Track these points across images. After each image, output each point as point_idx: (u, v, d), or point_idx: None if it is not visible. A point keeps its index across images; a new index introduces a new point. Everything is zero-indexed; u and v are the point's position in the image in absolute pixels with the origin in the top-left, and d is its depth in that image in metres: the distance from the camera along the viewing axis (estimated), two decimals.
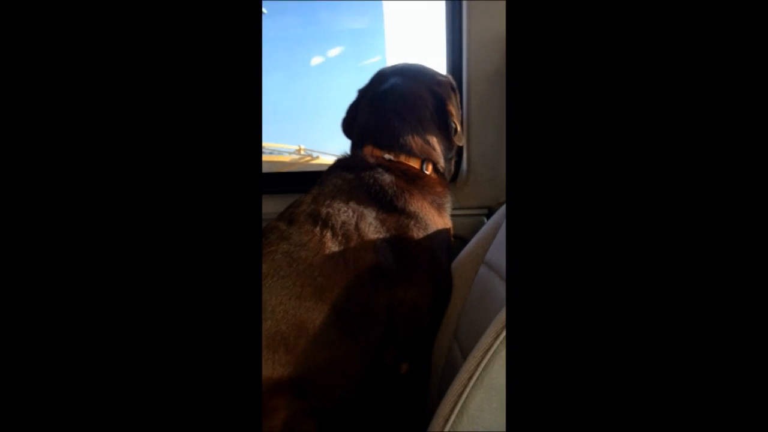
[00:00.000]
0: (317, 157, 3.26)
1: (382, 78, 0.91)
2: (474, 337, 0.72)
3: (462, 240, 0.95)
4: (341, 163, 0.85)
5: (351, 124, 0.94)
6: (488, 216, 1.07)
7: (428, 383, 0.80)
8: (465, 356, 0.76)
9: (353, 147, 0.90)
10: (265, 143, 3.34)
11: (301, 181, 1.23)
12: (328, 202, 0.76)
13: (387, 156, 0.82)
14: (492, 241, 0.81)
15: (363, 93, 0.94)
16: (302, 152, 3.44)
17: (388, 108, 0.85)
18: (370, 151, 0.84)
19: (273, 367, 0.65)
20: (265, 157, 3.18)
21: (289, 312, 0.67)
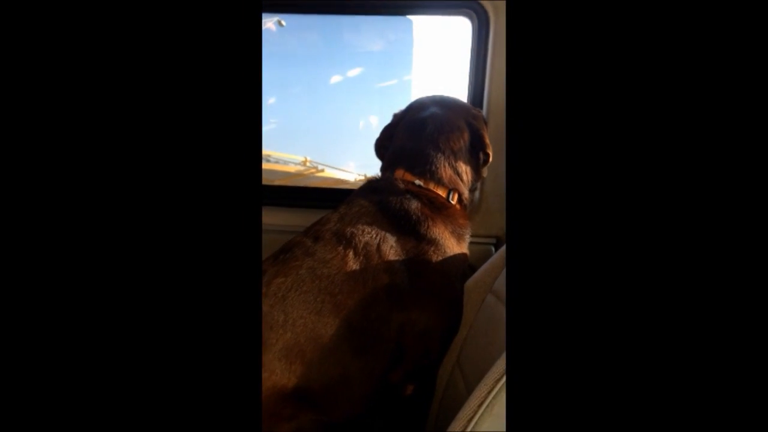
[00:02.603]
0: (322, 170, 3.28)
1: (420, 106, 0.95)
2: (478, 364, 0.74)
3: (470, 268, 0.97)
4: (371, 185, 0.88)
5: (384, 146, 0.98)
6: (496, 245, 1.09)
7: (430, 406, 0.81)
8: (467, 382, 0.78)
9: (384, 169, 0.93)
10: (272, 152, 3.36)
11: (309, 197, 1.25)
12: (353, 222, 0.78)
13: (417, 182, 0.86)
14: (501, 270, 0.83)
15: (400, 117, 0.97)
16: (308, 164, 3.46)
17: (425, 135, 0.89)
18: (401, 175, 0.87)
19: (288, 377, 0.68)
20: (270, 166, 3.21)
21: (308, 326, 0.70)
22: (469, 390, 0.72)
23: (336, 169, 3.23)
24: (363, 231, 0.77)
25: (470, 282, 0.86)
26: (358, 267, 0.73)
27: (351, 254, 0.74)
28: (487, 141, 0.92)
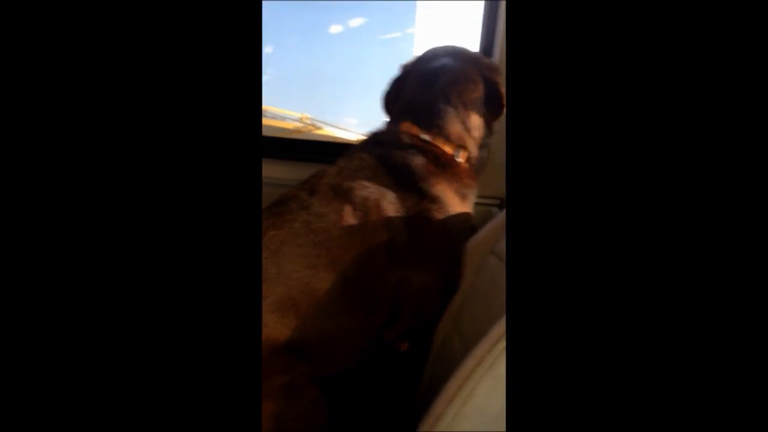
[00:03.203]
0: (321, 128, 3.22)
1: (432, 56, 0.90)
2: (477, 326, 0.73)
3: (471, 228, 0.94)
4: (374, 138, 0.84)
5: (392, 99, 0.92)
6: (500, 206, 1.06)
7: (425, 365, 0.81)
8: (464, 342, 0.77)
9: (390, 122, 0.88)
10: (269, 107, 3.28)
11: (308, 150, 1.21)
12: (352, 176, 0.75)
13: (424, 136, 0.81)
14: (504, 232, 0.81)
15: (410, 68, 0.91)
16: (306, 121, 3.39)
17: (436, 87, 0.84)
18: (407, 128, 0.83)
19: (281, 330, 0.66)
20: (267, 122, 3.14)
21: (303, 280, 0.68)
22: (466, 350, 0.71)
23: (335, 127, 3.17)
24: (362, 185, 0.74)
25: (472, 242, 0.83)
26: (355, 222, 0.71)
27: (348, 209, 0.72)
28: (503, 94, 0.87)
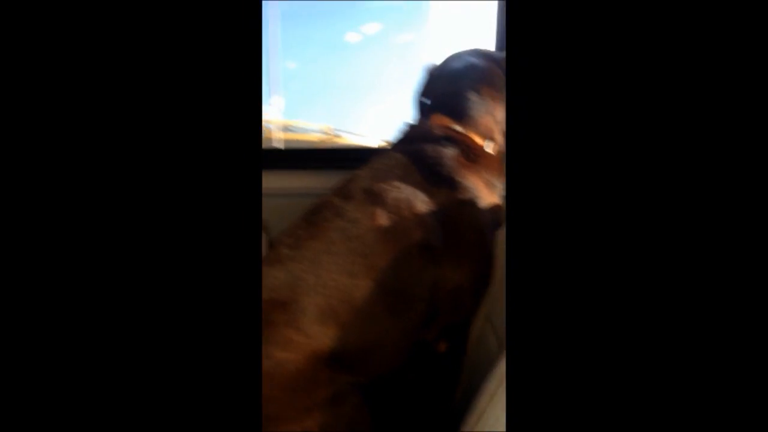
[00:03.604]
0: (344, 137, 3.26)
1: (457, 57, 0.94)
2: None
3: (502, 220, 0.95)
4: (406, 135, 0.87)
5: (422, 99, 0.97)
6: None
7: (463, 363, 0.82)
8: (500, 338, 0.77)
9: (421, 117, 0.92)
10: (293, 121, 3.34)
11: (335, 157, 1.24)
12: (384, 176, 0.77)
13: (456, 127, 0.84)
14: None
15: (437, 70, 0.96)
16: (329, 132, 3.44)
17: (466, 82, 0.88)
18: (439, 120, 0.86)
19: (324, 341, 0.68)
20: (290, 135, 3.20)
21: (341, 288, 0.69)
22: (502, 345, 0.72)
23: (358, 135, 3.21)
24: (393, 186, 0.75)
25: (502, 234, 0.83)
26: (388, 225, 0.72)
27: (381, 212, 0.73)
28: None
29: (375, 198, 0.74)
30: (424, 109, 0.93)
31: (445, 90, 0.90)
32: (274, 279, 0.70)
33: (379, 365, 0.72)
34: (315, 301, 0.69)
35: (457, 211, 0.76)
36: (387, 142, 0.91)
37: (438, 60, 0.98)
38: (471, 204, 0.77)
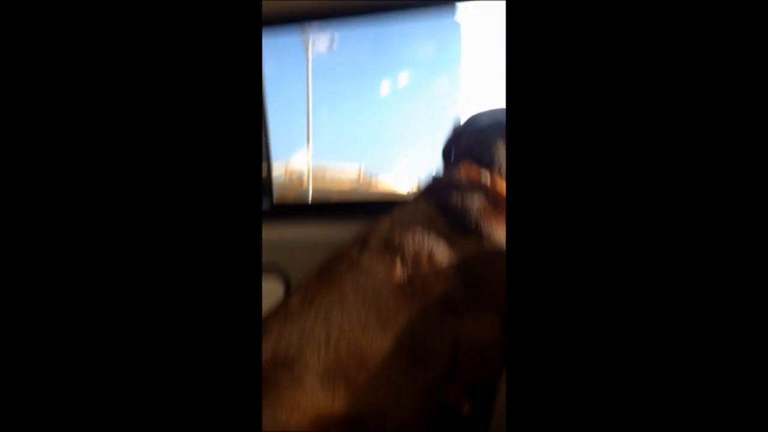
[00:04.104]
0: (376, 182, 3.31)
1: (485, 114, 0.96)
2: None
3: None
4: (432, 184, 0.86)
5: (449, 152, 0.98)
6: None
7: (489, 425, 0.75)
8: None
9: (447, 166, 0.93)
10: (327, 163, 3.42)
11: (359, 209, 1.23)
12: (405, 226, 0.74)
13: (484, 173, 0.83)
14: None
15: (461, 129, 0.98)
16: (362, 173, 3.50)
17: (494, 132, 0.89)
18: (466, 167, 0.84)
19: (333, 401, 0.64)
20: (323, 183, 3.28)
21: (352, 344, 0.66)
22: None
23: (389, 179, 3.25)
24: (414, 235, 0.72)
25: None
26: (405, 277, 0.69)
27: (398, 263, 0.70)
28: None
29: (393, 248, 0.72)
30: (452, 159, 0.93)
31: (473, 138, 0.90)
32: (279, 336, 0.67)
33: (395, 427, 0.67)
34: (324, 358, 0.65)
35: (482, 261, 0.72)
36: (417, 187, 0.91)
37: (467, 113, 0.99)
38: (497, 254, 0.72)
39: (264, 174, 1.28)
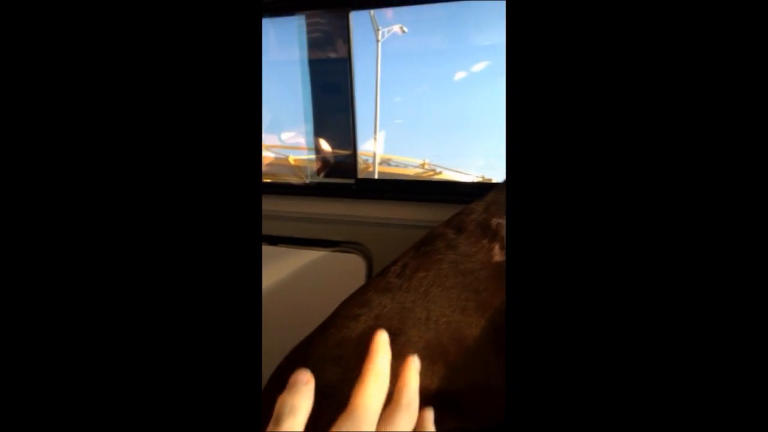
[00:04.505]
0: (440, 173, 3.27)
1: None
2: None
3: None
4: None
5: None
6: None
7: None
8: None
9: None
10: (392, 156, 3.42)
11: (429, 190, 1.23)
12: (500, 211, 0.72)
13: None
14: None
15: None
16: (426, 167, 3.48)
17: None
18: None
19: (431, 379, 0.64)
20: (389, 169, 3.28)
21: (452, 325, 0.65)
22: None
23: (455, 171, 3.20)
24: None
25: None
26: (503, 261, 0.67)
27: (497, 248, 0.68)
28: None
29: (490, 232, 0.70)
30: None
31: None
32: (382, 307, 0.68)
33: (489, 411, 0.66)
34: (425, 335, 0.65)
35: None
36: (482, 178, 0.88)
37: None
38: None
39: (351, 154, 1.31)
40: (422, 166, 3.43)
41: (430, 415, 0.55)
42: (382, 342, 0.57)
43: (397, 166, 3.37)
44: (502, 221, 0.71)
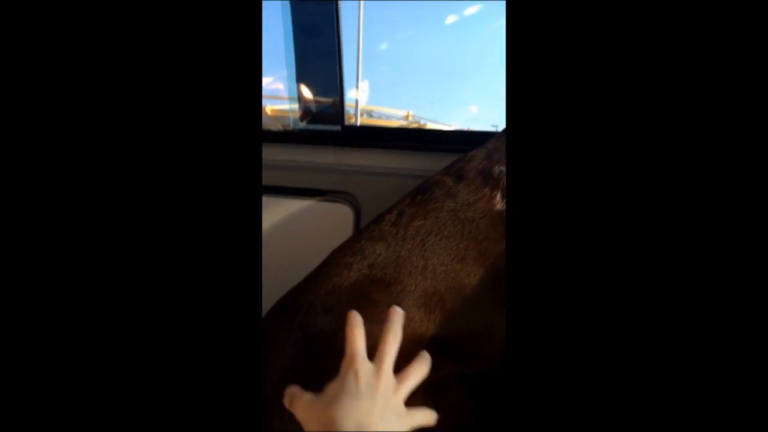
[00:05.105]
0: (425, 125, 3.21)
1: None
2: None
3: None
4: None
5: None
6: None
7: None
8: None
9: None
10: (375, 107, 3.34)
11: (416, 138, 1.19)
12: (503, 158, 0.70)
13: None
14: None
15: None
16: (410, 118, 3.41)
17: None
18: None
19: (427, 326, 0.63)
20: (371, 121, 3.21)
21: (450, 274, 0.64)
22: None
23: (440, 123, 3.14)
24: None
25: None
26: (505, 210, 0.65)
27: (499, 196, 0.66)
28: None
29: (491, 180, 0.68)
30: None
31: None
32: (376, 255, 0.65)
33: (487, 357, 0.66)
34: (422, 284, 0.63)
35: None
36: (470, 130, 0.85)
37: None
38: None
39: (337, 100, 1.25)
40: (406, 117, 3.35)
41: (426, 359, 0.54)
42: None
43: (379, 117, 3.29)
44: (504, 168, 0.68)
